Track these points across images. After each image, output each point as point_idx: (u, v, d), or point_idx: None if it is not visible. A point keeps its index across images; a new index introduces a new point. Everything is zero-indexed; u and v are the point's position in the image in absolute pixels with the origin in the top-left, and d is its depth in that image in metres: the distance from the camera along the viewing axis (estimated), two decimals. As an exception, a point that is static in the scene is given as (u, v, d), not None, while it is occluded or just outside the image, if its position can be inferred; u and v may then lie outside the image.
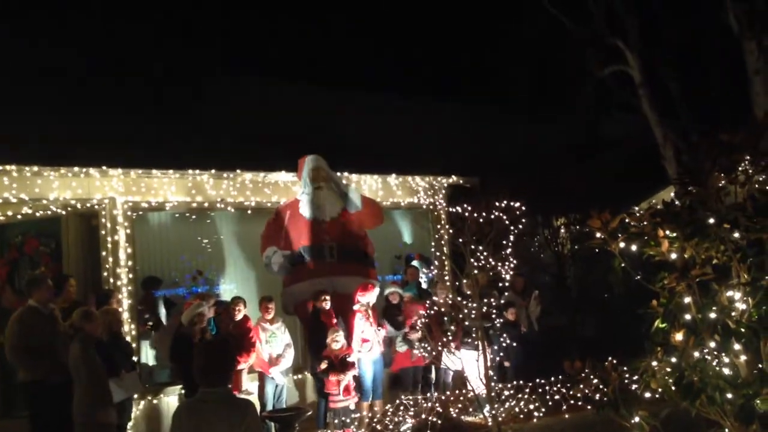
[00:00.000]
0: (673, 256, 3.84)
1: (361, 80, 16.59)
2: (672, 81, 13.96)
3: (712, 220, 3.67)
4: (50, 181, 8.62)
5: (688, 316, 3.71)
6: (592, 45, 13.77)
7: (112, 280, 8.71)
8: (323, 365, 8.43)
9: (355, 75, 17.26)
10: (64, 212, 9.07)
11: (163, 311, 9.70)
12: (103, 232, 8.83)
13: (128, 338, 8.41)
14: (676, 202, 3.91)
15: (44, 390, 6.94)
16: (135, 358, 8.23)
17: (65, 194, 8.72)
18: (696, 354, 3.72)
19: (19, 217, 9.14)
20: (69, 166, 8.52)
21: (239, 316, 8.75)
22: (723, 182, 3.88)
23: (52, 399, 6.78)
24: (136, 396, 8.09)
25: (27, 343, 7.04)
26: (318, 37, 19.75)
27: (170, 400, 8.83)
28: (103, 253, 8.78)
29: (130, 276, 8.87)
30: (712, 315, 3.64)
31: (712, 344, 3.62)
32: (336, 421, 8.45)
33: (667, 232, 3.81)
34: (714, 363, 3.68)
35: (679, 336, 3.74)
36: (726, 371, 3.64)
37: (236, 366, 7.92)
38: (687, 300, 3.72)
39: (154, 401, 8.79)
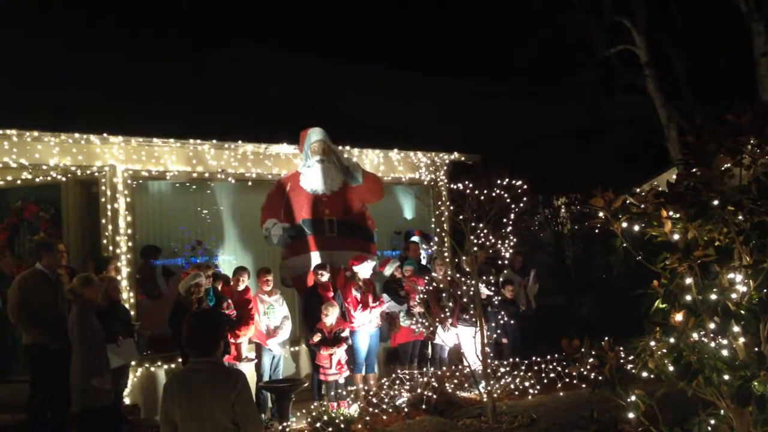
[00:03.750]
0: (676, 237, 3.82)
1: (366, 55, 16.47)
2: (678, 61, 13.86)
3: (716, 202, 3.64)
4: (50, 147, 8.57)
5: (688, 297, 3.70)
6: (597, 23, 13.64)
7: (111, 248, 8.71)
8: (316, 337, 8.48)
9: (359, 50, 17.13)
10: (64, 178, 9.04)
11: (161, 280, 9.69)
12: (103, 200, 8.81)
13: (126, 306, 8.43)
14: (681, 183, 3.88)
15: (45, 354, 7.00)
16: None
17: (65, 160, 8.68)
18: (695, 335, 3.72)
19: (18, 182, 9.12)
20: (69, 132, 8.47)
21: (241, 287, 8.77)
22: (728, 164, 3.84)
23: (53, 363, 6.82)
24: (133, 363, 8.13)
25: (30, 306, 7.11)
26: (323, 10, 19.60)
27: (167, 368, 8.88)
28: (103, 221, 8.77)
29: (130, 244, 8.87)
30: (713, 296, 3.63)
31: (712, 326, 3.61)
32: (332, 393, 8.50)
33: (671, 213, 3.79)
34: (712, 344, 3.68)
35: (678, 317, 3.73)
36: (724, 353, 3.64)
37: (226, 336, 7.91)
38: (688, 281, 3.70)
39: (152, 369, 8.83)
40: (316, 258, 9.52)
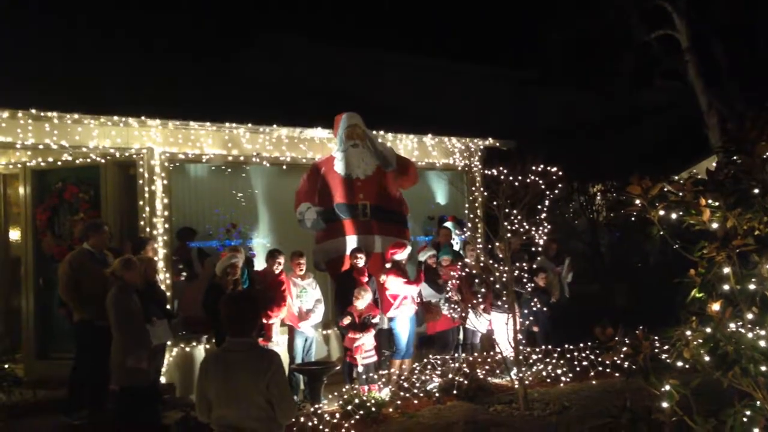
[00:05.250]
0: (715, 225, 3.77)
1: (402, 42, 16.41)
2: (719, 47, 13.56)
3: (756, 191, 3.59)
4: (90, 129, 8.71)
5: (726, 287, 3.66)
6: (638, 8, 13.41)
7: (148, 230, 8.85)
8: (346, 320, 8.53)
9: (395, 37, 17.07)
10: (103, 160, 9.20)
11: (197, 262, 9.82)
12: (141, 182, 8.94)
13: (162, 287, 8.56)
14: (721, 171, 3.82)
15: (91, 331, 7.26)
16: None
17: (104, 143, 8.82)
18: (732, 325, 3.67)
19: (59, 163, 9.30)
20: (109, 114, 8.61)
21: (277, 269, 8.84)
22: (769, 152, 3.78)
23: (99, 339, 7.02)
24: (169, 343, 8.26)
25: (79, 285, 7.45)
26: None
27: (202, 348, 9.01)
28: (140, 203, 8.91)
29: (166, 226, 9.00)
30: (751, 286, 3.59)
31: (750, 316, 3.57)
32: (363, 377, 8.55)
33: (709, 201, 3.74)
34: (750, 335, 3.63)
35: (715, 306, 3.69)
36: (762, 343, 3.60)
37: (261, 318, 8.01)
38: (726, 270, 3.66)
39: (187, 349, 8.97)
40: (350, 242, 9.55)
